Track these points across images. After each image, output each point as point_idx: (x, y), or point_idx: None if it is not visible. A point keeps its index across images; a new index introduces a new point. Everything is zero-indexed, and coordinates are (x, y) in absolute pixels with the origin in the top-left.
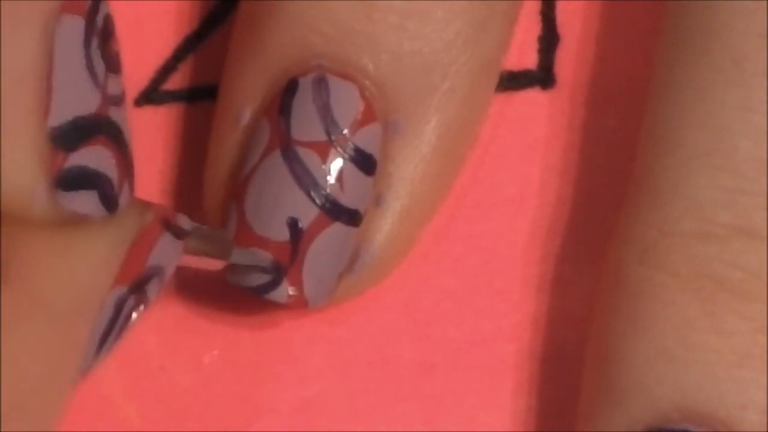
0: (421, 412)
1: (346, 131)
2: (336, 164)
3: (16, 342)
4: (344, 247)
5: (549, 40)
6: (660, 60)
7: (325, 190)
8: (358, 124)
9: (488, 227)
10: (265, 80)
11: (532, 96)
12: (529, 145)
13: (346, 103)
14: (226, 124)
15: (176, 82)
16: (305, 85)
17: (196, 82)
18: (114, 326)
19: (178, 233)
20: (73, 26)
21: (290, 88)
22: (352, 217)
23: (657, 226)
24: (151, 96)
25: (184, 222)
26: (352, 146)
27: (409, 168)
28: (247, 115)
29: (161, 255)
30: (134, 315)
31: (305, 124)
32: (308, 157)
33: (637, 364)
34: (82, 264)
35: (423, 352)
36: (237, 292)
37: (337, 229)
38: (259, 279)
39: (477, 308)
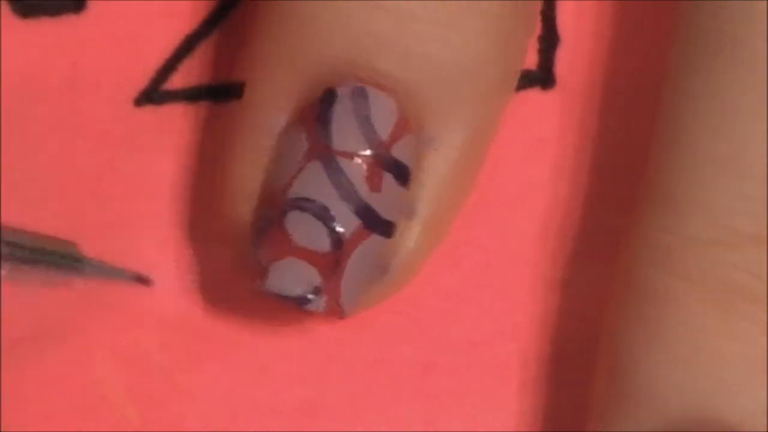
0: (421, 412)
1: (385, 142)
2: (376, 176)
3: None
4: (378, 258)
5: (549, 40)
6: (673, 64)
7: (366, 202)
8: (396, 136)
9: (489, 227)
10: (300, 89)
11: (532, 96)
12: (530, 145)
13: (385, 114)
14: (256, 131)
15: (176, 82)
16: (344, 95)
17: (196, 82)
18: None
19: None
20: None
21: (328, 97)
22: (387, 229)
23: (673, 232)
24: (151, 96)
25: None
26: (390, 158)
27: (439, 178)
28: (280, 123)
29: None
30: None
31: (346, 135)
32: (349, 168)
33: (653, 371)
34: None
35: (424, 351)
36: (237, 292)
37: (374, 240)
38: (300, 289)
39: (478, 308)
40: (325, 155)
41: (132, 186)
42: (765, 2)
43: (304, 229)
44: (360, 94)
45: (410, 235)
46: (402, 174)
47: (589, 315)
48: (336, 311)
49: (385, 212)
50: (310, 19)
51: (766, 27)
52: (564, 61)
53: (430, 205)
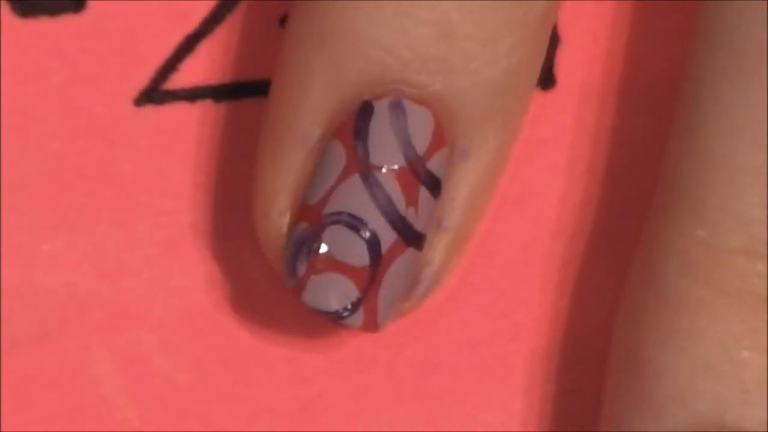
0: (422, 412)
1: (422, 156)
2: (413, 189)
3: None
4: (411, 270)
5: (549, 40)
6: (701, 71)
7: (403, 216)
8: (433, 150)
9: (490, 227)
10: (336, 101)
11: (533, 97)
12: (530, 146)
13: (422, 128)
14: (290, 146)
15: (176, 81)
16: (381, 109)
17: (196, 82)
18: None
19: None
20: None
21: (365, 111)
22: (420, 242)
23: (703, 240)
24: (151, 96)
25: None
26: (426, 171)
27: (469, 191)
28: (315, 137)
29: None
30: None
31: (384, 149)
32: (388, 182)
33: (676, 377)
34: None
35: (424, 351)
36: (237, 292)
37: (410, 253)
38: (338, 304)
39: (479, 308)
40: (364, 169)
41: (132, 186)
42: None
43: (342, 244)
44: (397, 108)
45: (441, 247)
46: (435, 186)
47: (589, 315)
48: (372, 325)
49: (420, 226)
50: (349, 32)
51: None
52: (564, 61)
53: (460, 217)
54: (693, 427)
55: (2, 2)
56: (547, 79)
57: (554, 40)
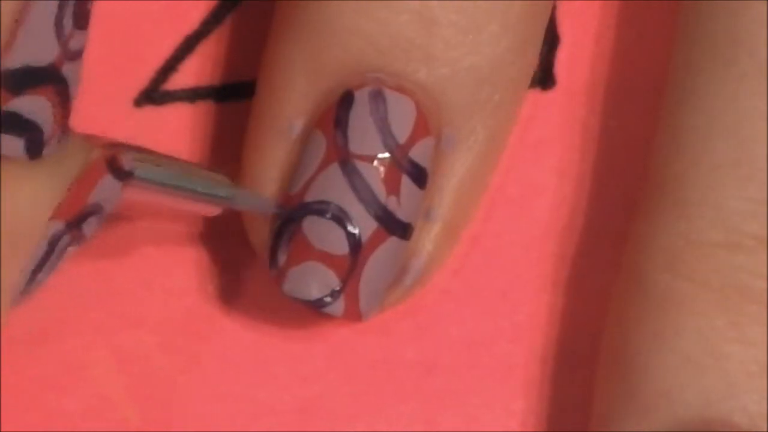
0: (421, 412)
1: (403, 145)
2: (394, 178)
3: None
4: (396, 260)
5: (549, 40)
6: (680, 66)
7: (384, 204)
8: (414, 138)
9: (489, 228)
10: (318, 92)
11: (533, 97)
12: (530, 146)
13: (403, 117)
14: (275, 135)
15: (176, 82)
16: (362, 98)
17: (196, 82)
18: (46, 261)
19: (120, 174)
20: None
21: (346, 100)
22: (405, 231)
23: (684, 235)
24: (151, 96)
25: (128, 162)
26: (408, 160)
27: (457, 181)
28: (298, 127)
29: (101, 194)
30: (69, 251)
31: (363, 138)
32: (367, 170)
33: (661, 372)
34: (17, 198)
35: (424, 352)
36: (237, 292)
37: (392, 242)
38: (318, 292)
39: (478, 308)
40: (343, 158)
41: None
42: None
43: (321, 233)
44: (377, 97)
45: (429, 237)
46: (420, 176)
47: (590, 315)
48: (355, 314)
49: (403, 215)
50: (328, 22)
51: None
52: (564, 61)
53: (448, 207)
54: (680, 423)
55: None
56: (547, 79)
57: (554, 40)
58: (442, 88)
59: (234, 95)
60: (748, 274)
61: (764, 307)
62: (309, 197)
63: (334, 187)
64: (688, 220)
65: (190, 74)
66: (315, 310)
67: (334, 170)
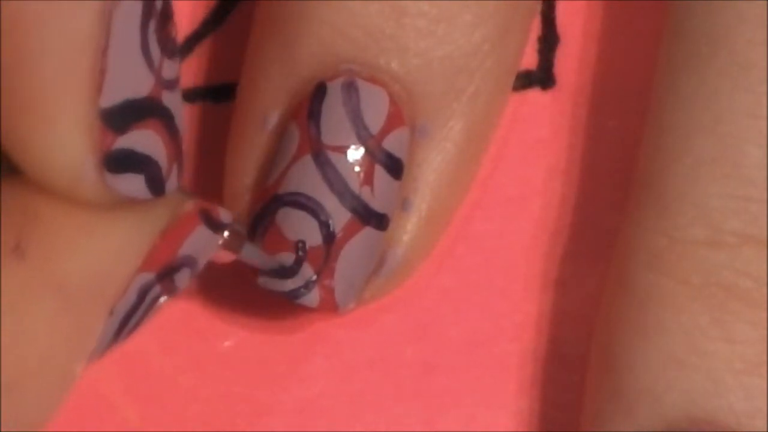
0: (421, 413)
1: (376, 136)
2: (368, 169)
3: (23, 319)
4: (373, 251)
5: (549, 40)
6: (664, 65)
7: (357, 195)
8: (388, 129)
9: (489, 227)
10: (292, 84)
11: (533, 96)
12: (530, 146)
13: (376, 107)
14: (251, 128)
15: None
16: (334, 89)
17: (196, 83)
18: (135, 312)
19: (216, 226)
20: (132, 8)
21: (319, 92)
22: (380, 222)
23: (666, 233)
24: None
25: (224, 216)
26: (382, 151)
27: (434, 172)
28: (274, 119)
29: (195, 246)
30: (159, 302)
31: (336, 129)
32: (339, 161)
33: (645, 371)
34: (105, 247)
35: (423, 352)
36: (237, 293)
37: (367, 233)
38: (292, 284)
39: (478, 308)
40: (315, 149)
41: None
42: (757, 7)
43: (295, 224)
44: (350, 88)
45: (406, 228)
46: (395, 167)
47: (589, 315)
48: (331, 305)
49: (378, 205)
50: (302, 14)
51: (757, 31)
52: (564, 61)
53: (425, 198)
54: (666, 422)
55: None
56: (546, 79)
57: (554, 40)
58: (414, 79)
59: (231, 96)
60: (730, 271)
61: (747, 305)
62: (283, 189)
63: (307, 179)
64: (670, 218)
65: (189, 75)
66: (290, 301)
67: (307, 162)
